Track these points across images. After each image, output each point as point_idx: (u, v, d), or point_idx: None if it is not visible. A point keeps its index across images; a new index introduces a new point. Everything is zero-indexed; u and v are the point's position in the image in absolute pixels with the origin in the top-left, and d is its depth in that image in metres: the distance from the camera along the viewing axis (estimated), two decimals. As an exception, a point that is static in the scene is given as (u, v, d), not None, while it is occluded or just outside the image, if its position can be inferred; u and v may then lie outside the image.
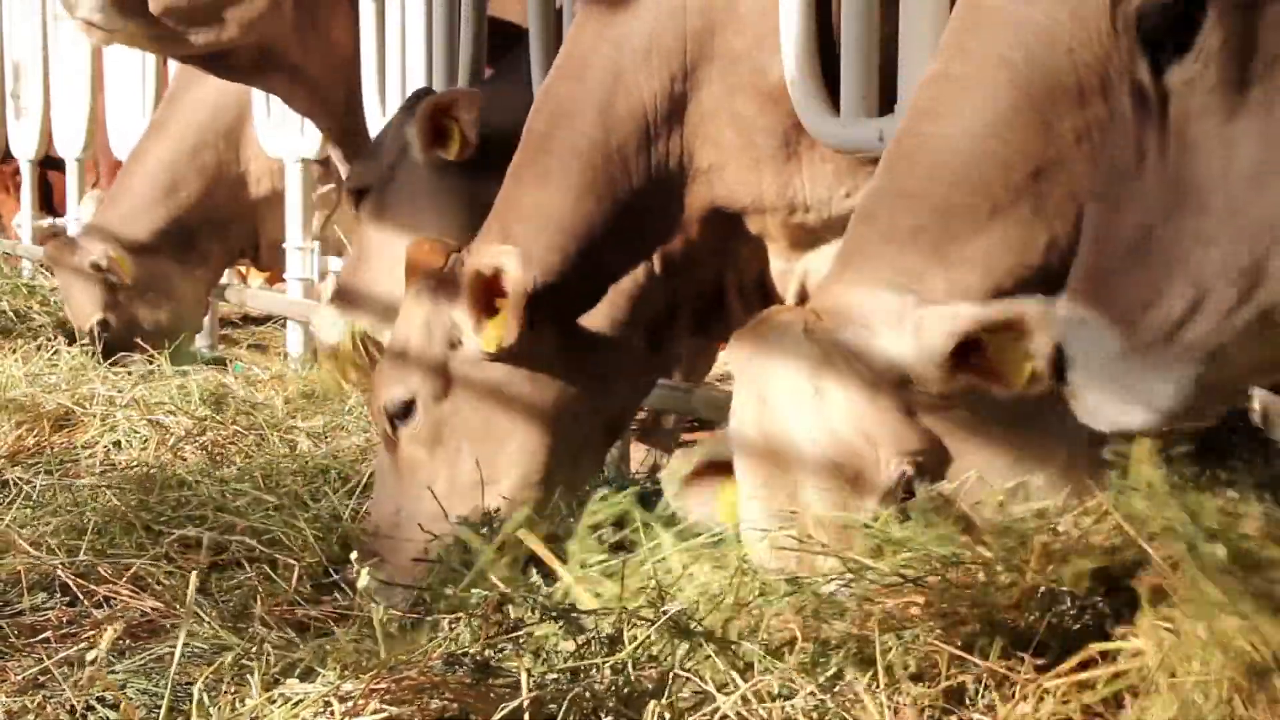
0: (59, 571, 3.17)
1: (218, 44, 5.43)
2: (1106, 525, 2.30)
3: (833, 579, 2.37)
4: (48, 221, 9.39)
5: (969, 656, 2.19)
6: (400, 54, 5.36)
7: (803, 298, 3.53)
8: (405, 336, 3.42)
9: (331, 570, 3.28)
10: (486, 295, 3.27)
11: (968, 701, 2.18)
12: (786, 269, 3.59)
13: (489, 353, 3.31)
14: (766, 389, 2.60)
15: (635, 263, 3.49)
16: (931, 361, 2.47)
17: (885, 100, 3.34)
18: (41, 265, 7.98)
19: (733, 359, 2.68)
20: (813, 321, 2.56)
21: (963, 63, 2.67)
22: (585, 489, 3.54)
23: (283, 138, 6.45)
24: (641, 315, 3.53)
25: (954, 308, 2.48)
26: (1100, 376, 2.06)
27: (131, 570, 3.15)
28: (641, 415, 4.92)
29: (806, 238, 3.55)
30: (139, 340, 6.39)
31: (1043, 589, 2.26)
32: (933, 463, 2.53)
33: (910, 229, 2.62)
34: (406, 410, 3.38)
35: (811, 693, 2.15)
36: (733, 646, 2.27)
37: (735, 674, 2.21)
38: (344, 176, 5.94)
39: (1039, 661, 2.19)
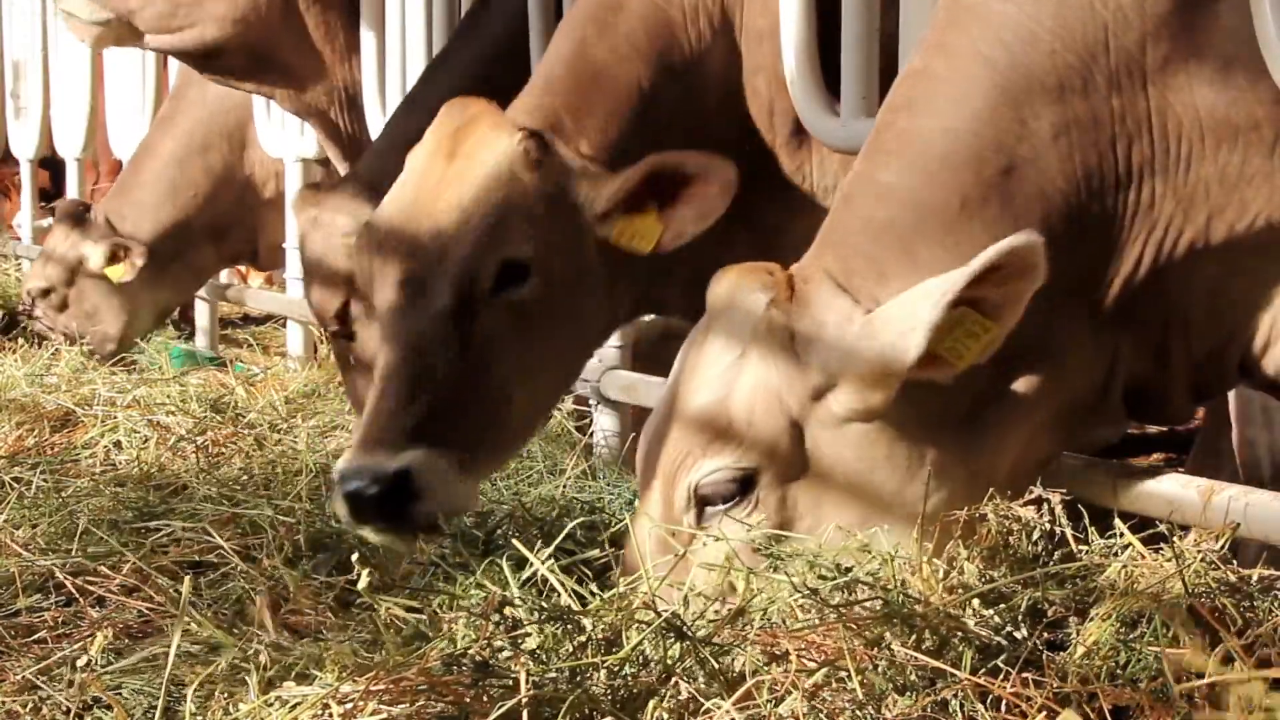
0: (55, 572, 3.16)
1: (200, 42, 5.44)
2: None
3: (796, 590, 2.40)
4: (48, 222, 9.38)
5: (951, 669, 2.19)
6: (400, 54, 5.35)
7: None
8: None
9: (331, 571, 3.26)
10: None
11: (951, 712, 2.18)
12: None
13: None
14: (713, 325, 2.67)
15: None
16: (925, 333, 2.45)
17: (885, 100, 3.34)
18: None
19: (713, 279, 2.73)
20: (781, 299, 2.60)
21: (942, 59, 2.68)
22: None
23: (283, 138, 6.45)
24: (636, 280, 3.50)
25: (942, 278, 2.48)
26: None
27: (124, 570, 3.14)
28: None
29: None
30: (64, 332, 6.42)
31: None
32: (773, 487, 2.58)
33: (885, 221, 2.64)
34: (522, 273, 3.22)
35: (801, 699, 2.15)
36: (727, 651, 2.26)
37: (726, 680, 2.20)
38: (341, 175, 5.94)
39: (1025, 676, 2.19)
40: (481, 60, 4.48)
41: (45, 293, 6.56)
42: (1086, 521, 2.56)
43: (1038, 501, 2.49)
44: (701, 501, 2.59)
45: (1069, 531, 2.50)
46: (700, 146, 3.38)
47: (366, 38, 5.50)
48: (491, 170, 3.24)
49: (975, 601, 2.34)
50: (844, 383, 2.54)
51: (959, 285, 2.43)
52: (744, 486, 2.58)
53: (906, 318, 2.47)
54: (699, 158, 3.27)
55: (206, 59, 5.55)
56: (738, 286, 2.65)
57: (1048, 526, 2.48)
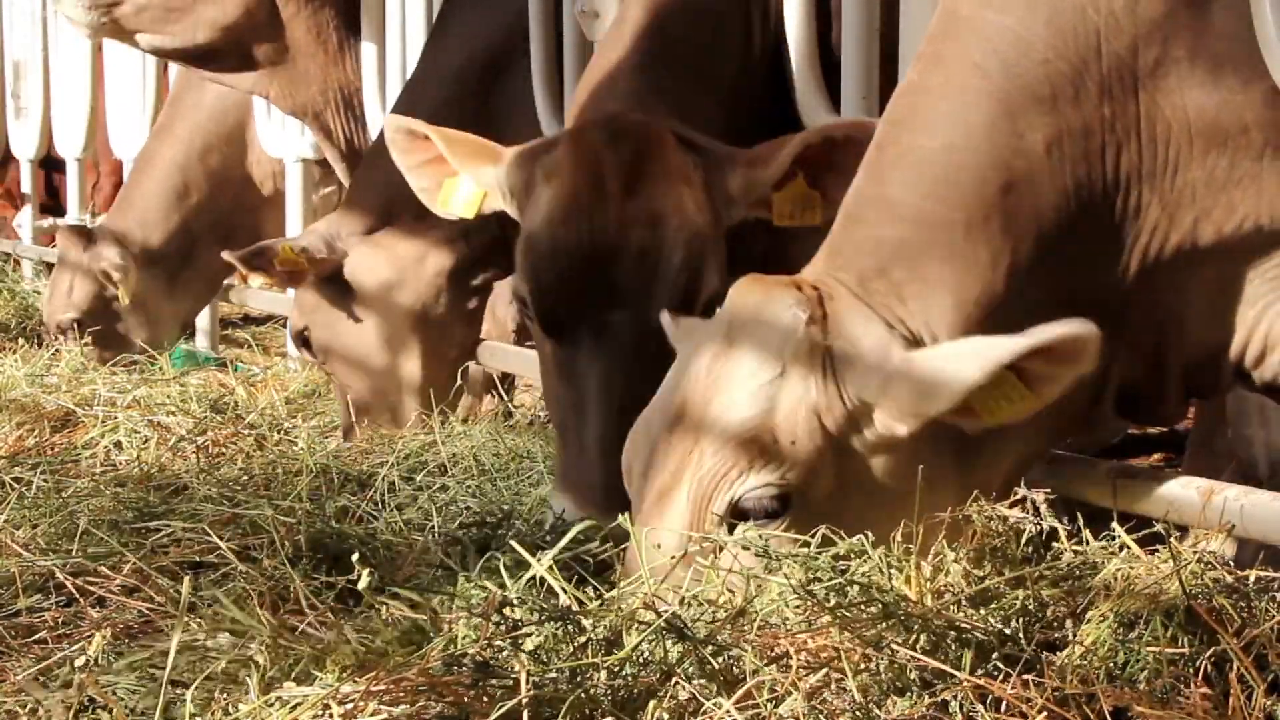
0: (55, 572, 3.16)
1: (192, 45, 5.46)
2: None
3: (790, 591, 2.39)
4: (48, 222, 9.39)
5: (950, 669, 2.19)
6: (400, 54, 5.36)
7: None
8: None
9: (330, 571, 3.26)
10: None
11: (951, 713, 2.18)
12: None
13: None
14: (740, 337, 2.63)
15: None
16: (963, 390, 2.47)
17: (885, 100, 3.34)
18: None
19: (734, 289, 2.70)
20: (818, 317, 2.58)
21: (939, 72, 2.68)
22: None
23: (283, 137, 6.45)
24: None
25: (995, 342, 2.48)
26: None
27: (125, 570, 3.14)
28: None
29: None
30: (106, 350, 6.40)
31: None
32: (804, 503, 2.57)
33: (895, 241, 2.64)
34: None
35: (801, 700, 2.15)
36: (727, 651, 2.27)
37: (727, 681, 2.20)
38: (340, 176, 5.96)
39: (1026, 677, 2.19)
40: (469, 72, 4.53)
41: (76, 323, 6.58)
42: (1081, 523, 2.57)
43: (1022, 501, 2.50)
44: (739, 517, 2.58)
45: (1060, 527, 2.51)
46: (758, 128, 3.42)
47: (367, 39, 5.51)
48: (681, 206, 3.22)
49: (970, 601, 2.35)
50: (876, 411, 2.56)
51: (1008, 355, 2.44)
52: (782, 504, 2.58)
53: (948, 366, 2.49)
54: (845, 121, 3.26)
55: (199, 60, 5.58)
56: (769, 300, 2.63)
57: (1035, 528, 2.48)
